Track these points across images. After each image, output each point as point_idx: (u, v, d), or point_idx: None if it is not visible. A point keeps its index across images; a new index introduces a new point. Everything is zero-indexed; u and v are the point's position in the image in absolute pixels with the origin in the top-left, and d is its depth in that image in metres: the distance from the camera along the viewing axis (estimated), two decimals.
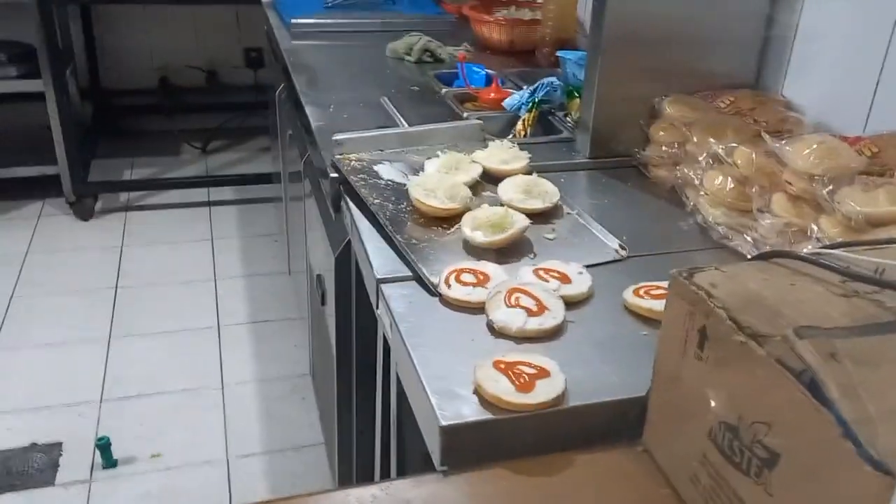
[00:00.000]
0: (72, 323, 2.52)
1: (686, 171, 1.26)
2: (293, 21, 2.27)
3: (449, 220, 1.21)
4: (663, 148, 1.36)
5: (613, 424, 0.85)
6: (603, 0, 1.34)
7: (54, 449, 2.02)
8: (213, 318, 2.59)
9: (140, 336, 2.48)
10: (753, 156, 1.14)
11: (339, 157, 1.39)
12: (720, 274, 0.74)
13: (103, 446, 1.92)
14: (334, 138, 1.40)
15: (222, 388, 2.28)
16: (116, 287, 2.71)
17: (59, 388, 2.23)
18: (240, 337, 2.51)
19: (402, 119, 1.59)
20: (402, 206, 1.25)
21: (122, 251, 2.93)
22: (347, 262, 1.40)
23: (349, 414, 1.58)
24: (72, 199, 3.07)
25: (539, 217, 1.23)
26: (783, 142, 1.11)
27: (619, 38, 1.37)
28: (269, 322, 2.58)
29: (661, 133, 1.37)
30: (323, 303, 1.66)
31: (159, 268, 2.84)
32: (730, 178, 1.16)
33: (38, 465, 1.98)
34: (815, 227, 1.05)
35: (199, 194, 3.32)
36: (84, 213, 3.09)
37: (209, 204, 3.29)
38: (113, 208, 3.21)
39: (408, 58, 2.04)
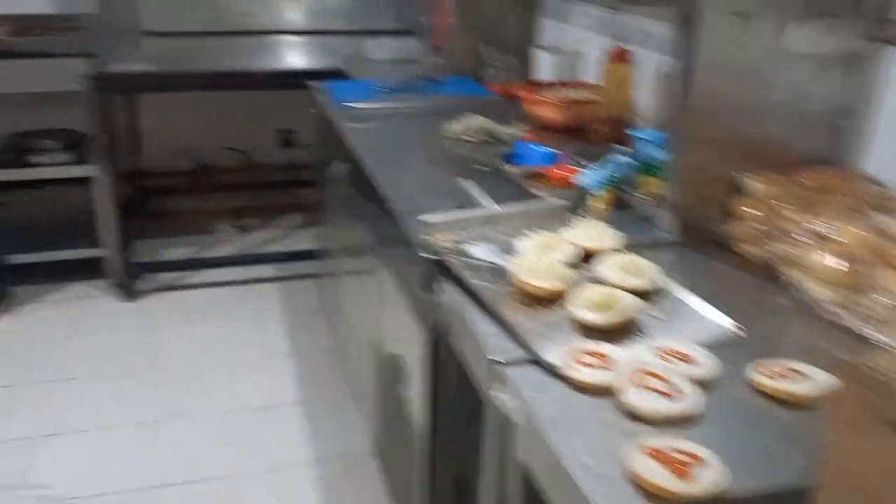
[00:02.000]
0: (116, 406, 2.49)
1: (782, 247, 1.27)
2: (349, 105, 2.33)
3: (551, 299, 1.22)
4: (751, 224, 1.38)
5: None
6: (687, 81, 1.38)
7: None
8: (262, 397, 2.56)
9: (187, 419, 2.46)
10: (859, 232, 1.16)
11: (427, 237, 1.40)
12: (889, 356, 0.74)
13: None
14: (423, 219, 1.42)
15: (275, 470, 2.24)
16: (162, 368, 2.70)
17: (111, 476, 2.19)
18: (289, 416, 2.48)
19: (481, 199, 1.62)
20: (502, 286, 1.25)
21: (163, 331, 2.92)
22: (439, 342, 1.40)
23: (432, 497, 1.55)
24: (116, 281, 3.09)
25: (641, 296, 1.23)
26: (887, 217, 1.13)
27: (700, 117, 1.40)
28: (318, 401, 2.56)
29: (748, 209, 1.39)
30: (400, 381, 1.66)
31: (204, 347, 2.83)
32: (836, 256, 1.17)
33: None
34: None
35: (236, 273, 3.34)
36: (127, 294, 3.10)
37: (249, 282, 3.30)
38: (154, 289, 3.22)
39: (465, 137, 2.08)
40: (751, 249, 1.38)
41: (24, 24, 3.00)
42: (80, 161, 2.97)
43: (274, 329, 2.97)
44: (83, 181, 3.00)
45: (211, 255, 3.49)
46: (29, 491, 2.14)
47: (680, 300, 1.25)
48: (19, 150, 3.02)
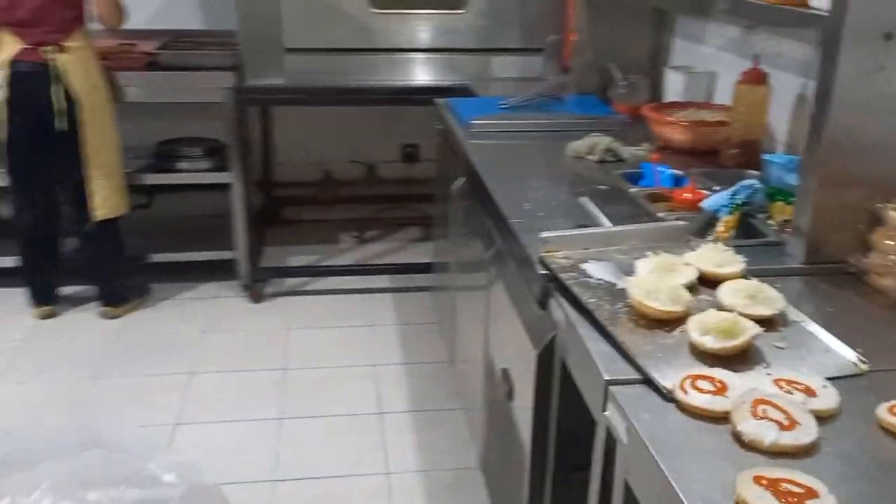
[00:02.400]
0: (245, 402, 2.63)
1: None
2: (473, 121, 2.37)
3: (669, 322, 1.20)
4: (890, 257, 1.30)
5: None
6: (824, 107, 1.33)
7: None
8: (376, 404, 2.63)
9: (308, 418, 2.56)
10: None
11: (544, 254, 1.41)
12: None
13: None
14: (542, 236, 1.43)
15: (388, 475, 2.30)
16: (285, 368, 2.83)
17: (235, 466, 2.31)
18: (403, 424, 2.53)
19: (600, 218, 1.61)
20: (618, 306, 1.25)
21: (287, 334, 3.06)
22: (550, 359, 1.40)
23: None
24: (246, 283, 3.26)
25: (764, 324, 1.19)
26: None
27: (838, 144, 1.35)
28: (430, 411, 2.60)
29: (887, 241, 1.32)
30: (510, 398, 1.66)
31: (324, 351, 2.94)
32: None
33: None
34: None
35: (356, 281, 3.45)
36: (256, 296, 3.27)
37: (367, 291, 3.41)
38: (279, 293, 3.37)
39: (590, 157, 2.08)
40: (886, 283, 1.30)
41: (176, 38, 3.24)
42: (219, 168, 3.17)
43: (388, 338, 3.04)
44: (221, 187, 3.20)
45: (332, 263, 3.62)
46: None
47: (805, 330, 1.20)
48: (166, 156, 3.25)
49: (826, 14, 1.31)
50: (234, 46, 3.05)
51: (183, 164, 3.23)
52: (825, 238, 1.40)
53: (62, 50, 2.73)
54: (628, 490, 1.04)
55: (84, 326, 3.06)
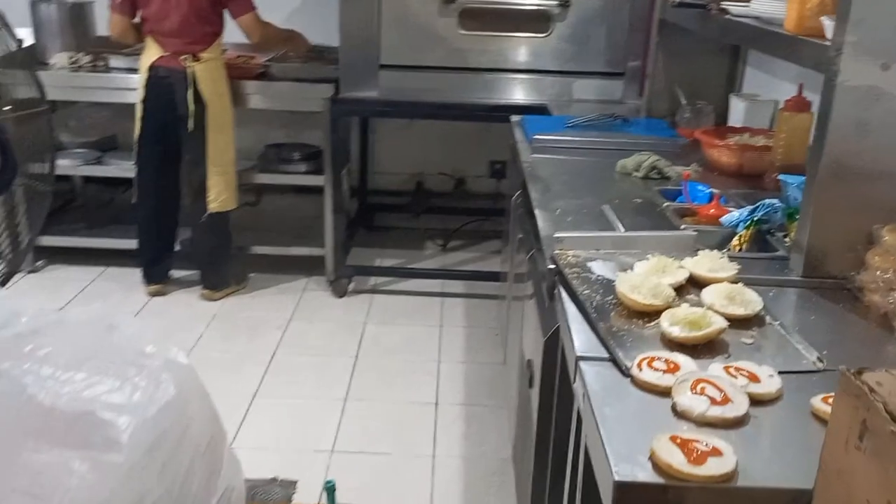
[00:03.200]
0: (317, 381, 2.89)
1: None
2: (535, 137, 2.54)
3: (650, 315, 1.32)
4: (878, 274, 1.38)
5: None
6: (823, 132, 1.42)
7: (291, 486, 2.32)
8: (434, 394, 2.83)
9: (371, 401, 2.79)
10: None
11: (557, 252, 1.57)
12: (889, 376, 0.80)
13: (330, 489, 2.18)
14: (555, 235, 1.59)
15: (433, 457, 2.48)
16: (357, 356, 3.07)
17: (301, 435, 2.57)
18: (454, 415, 2.72)
19: (619, 225, 1.75)
20: (609, 298, 1.39)
21: (364, 327, 3.31)
22: (555, 346, 1.55)
23: (540, 493, 1.69)
24: (331, 279, 3.55)
25: (740, 323, 1.30)
26: None
27: (837, 166, 1.43)
28: (481, 406, 2.77)
29: (877, 259, 1.39)
30: (531, 385, 1.82)
31: (394, 345, 3.17)
32: None
33: (276, 497, 2.28)
34: None
35: (434, 285, 3.67)
36: (339, 291, 3.55)
37: (442, 295, 3.62)
38: (362, 290, 3.64)
39: (636, 173, 2.20)
40: (874, 299, 1.38)
41: (284, 52, 3.59)
42: (315, 172, 3.48)
43: (454, 339, 3.24)
44: (319, 190, 3.50)
45: (414, 266, 3.86)
46: (236, 441, 2.57)
47: (776, 332, 1.30)
48: (270, 158, 3.60)
49: (826, 44, 1.41)
50: (334, 61, 3.35)
51: (283, 167, 3.56)
52: (824, 255, 1.48)
53: (197, 59, 3.11)
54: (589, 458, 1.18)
55: (186, 305, 3.42)
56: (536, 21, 3.38)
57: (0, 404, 1.28)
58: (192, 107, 3.11)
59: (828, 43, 1.42)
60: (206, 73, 3.13)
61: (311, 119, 3.51)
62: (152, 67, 3.13)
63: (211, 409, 1.66)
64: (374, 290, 3.65)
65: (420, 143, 4.20)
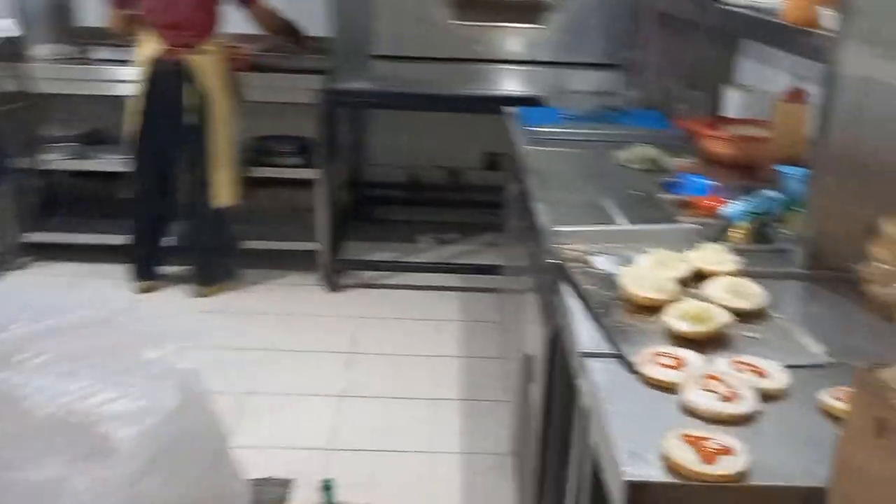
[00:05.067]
0: (311, 379, 2.87)
1: None
2: (531, 129, 2.52)
3: (654, 309, 1.31)
4: (881, 266, 1.37)
5: None
6: (826, 121, 1.41)
7: (286, 485, 2.30)
8: (431, 389, 2.81)
9: (365, 398, 2.77)
10: None
11: (558, 246, 1.55)
12: None
13: (328, 488, 2.16)
14: (553, 229, 1.57)
15: (432, 454, 2.47)
16: (351, 352, 3.05)
17: (296, 432, 2.55)
18: (452, 410, 2.70)
19: (619, 218, 1.73)
20: (611, 293, 1.37)
21: (359, 322, 3.29)
22: (556, 341, 1.54)
23: (542, 489, 1.68)
24: (325, 273, 3.53)
25: (745, 317, 1.29)
26: None
27: (841, 158, 1.42)
28: (479, 401, 2.76)
29: (880, 250, 1.38)
30: (531, 381, 1.81)
31: (389, 340, 3.15)
32: None
33: (271, 496, 2.26)
34: None
35: (430, 279, 3.65)
36: (333, 285, 3.53)
37: (439, 289, 3.60)
38: (356, 284, 3.62)
39: (634, 165, 2.19)
40: (877, 290, 1.37)
41: (273, 42, 3.55)
42: (306, 165, 3.45)
43: (452, 333, 3.22)
44: (311, 184, 3.47)
45: (410, 260, 3.84)
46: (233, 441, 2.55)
47: (781, 325, 1.29)
48: (262, 152, 3.57)
49: (827, 34, 1.40)
50: (324, 51, 3.32)
51: (274, 160, 3.53)
52: (826, 246, 1.47)
53: (198, 52, 3.07)
54: (593, 453, 1.17)
55: (178, 302, 3.39)
56: (532, 11, 3.36)
57: None
58: (193, 100, 3.08)
59: (828, 33, 1.41)
60: (207, 65, 3.09)
61: (303, 111, 3.47)
62: (154, 60, 3.08)
63: (213, 414, 1.64)
64: (368, 285, 3.63)
65: (414, 135, 4.17)
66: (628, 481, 0.92)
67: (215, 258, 3.43)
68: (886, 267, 1.36)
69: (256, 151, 3.59)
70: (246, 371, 2.91)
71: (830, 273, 1.47)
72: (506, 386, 2.59)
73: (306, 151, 3.51)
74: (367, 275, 3.69)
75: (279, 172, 3.59)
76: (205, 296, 3.42)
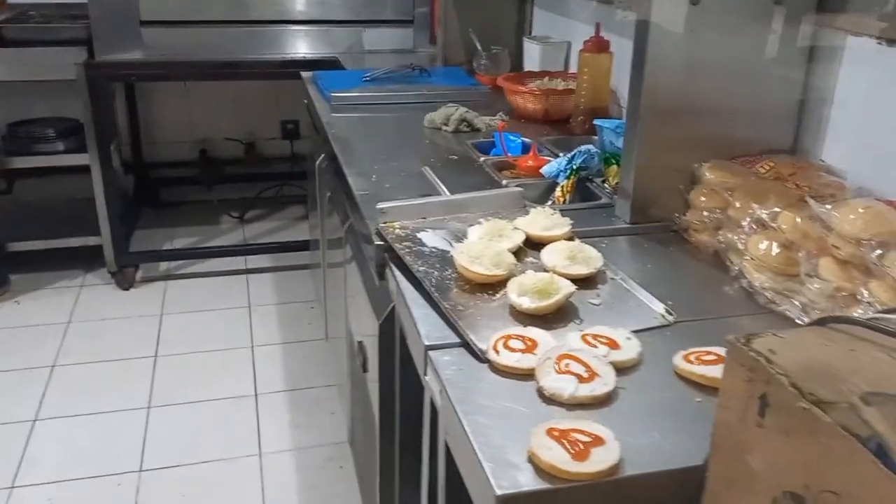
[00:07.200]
0: (112, 392, 2.54)
1: (729, 235, 1.27)
2: (333, 94, 2.34)
3: (494, 286, 1.22)
4: (704, 213, 1.37)
5: (672, 495, 0.84)
6: (640, 72, 1.37)
7: None
8: (251, 385, 2.60)
9: (178, 405, 2.50)
10: (798, 220, 1.15)
11: (383, 225, 1.41)
12: (778, 340, 0.74)
13: None
14: (378, 206, 1.43)
15: (260, 457, 2.27)
16: (156, 356, 2.74)
17: (100, 458, 2.24)
18: (277, 405, 2.51)
19: (443, 188, 1.63)
20: (447, 273, 1.26)
21: (161, 319, 2.97)
22: (391, 329, 1.41)
23: (392, 483, 1.56)
24: (113, 269, 3.14)
25: (583, 282, 1.23)
26: (829, 206, 1.12)
27: (656, 107, 1.40)
28: (306, 389, 2.58)
29: (702, 198, 1.38)
30: (365, 370, 1.67)
31: (198, 336, 2.87)
32: (775, 243, 1.17)
33: None
34: (865, 292, 1.04)
35: (236, 262, 3.38)
36: (125, 282, 3.15)
37: (247, 272, 3.34)
38: (153, 277, 3.27)
39: (445, 128, 2.09)
40: (703, 238, 1.37)
41: (23, 12, 3.05)
42: (77, 150, 3.02)
43: (267, 319, 3.00)
44: (85, 169, 3.04)
45: (212, 244, 3.53)
46: (17, 473, 2.19)
47: (621, 287, 1.24)
48: (22, 138, 3.07)
49: None
50: (85, 20, 2.89)
51: (37, 147, 3.06)
52: (649, 198, 1.45)
53: None
54: (450, 453, 1.06)
55: None
56: None
57: None
58: None
59: None
60: None
61: (66, 89, 3.01)
62: None
63: None
64: (167, 277, 3.29)
65: (201, 107, 3.82)
66: (500, 495, 0.81)
67: None
68: (712, 215, 1.36)
69: (14, 139, 3.09)
70: (28, 393, 2.52)
71: (656, 225, 1.46)
72: (336, 371, 2.44)
73: (75, 134, 3.07)
74: (164, 266, 3.35)
75: (45, 161, 3.11)
76: None
